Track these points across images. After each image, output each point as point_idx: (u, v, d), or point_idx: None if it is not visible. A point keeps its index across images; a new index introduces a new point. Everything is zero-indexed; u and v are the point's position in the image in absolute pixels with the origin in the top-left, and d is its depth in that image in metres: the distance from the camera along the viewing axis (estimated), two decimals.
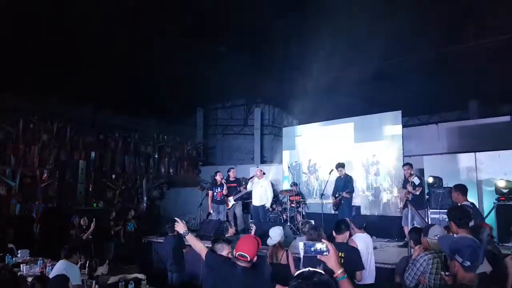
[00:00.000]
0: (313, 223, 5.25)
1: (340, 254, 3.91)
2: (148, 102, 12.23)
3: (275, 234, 4.80)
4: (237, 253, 3.06)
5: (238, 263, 3.06)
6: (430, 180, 7.99)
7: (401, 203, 7.60)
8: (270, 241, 4.80)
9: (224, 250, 3.44)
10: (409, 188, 7.04)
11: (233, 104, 17.26)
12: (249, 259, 3.03)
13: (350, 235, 4.55)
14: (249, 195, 9.20)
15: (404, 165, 7.67)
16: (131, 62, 10.09)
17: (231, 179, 9.07)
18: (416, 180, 7.01)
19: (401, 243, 7.29)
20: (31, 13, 8.08)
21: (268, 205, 8.75)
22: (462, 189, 5.01)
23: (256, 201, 8.73)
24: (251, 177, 8.91)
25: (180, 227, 3.60)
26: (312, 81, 13.13)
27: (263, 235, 6.88)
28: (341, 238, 4.25)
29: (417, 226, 5.71)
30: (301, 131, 11.22)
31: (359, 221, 4.85)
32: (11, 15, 8.00)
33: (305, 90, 14.04)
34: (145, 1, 8.88)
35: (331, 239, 4.18)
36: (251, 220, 8.38)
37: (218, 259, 3.27)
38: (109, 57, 9.72)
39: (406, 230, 7.18)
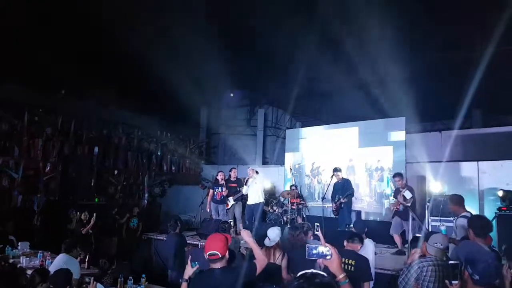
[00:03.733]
0: (309, 224, 5.17)
1: (351, 261, 3.91)
2: (153, 99, 12.27)
3: (274, 234, 4.70)
4: (208, 253, 2.96)
5: (213, 265, 2.98)
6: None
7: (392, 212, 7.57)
8: (268, 242, 4.67)
9: None
10: (401, 199, 7.05)
11: (237, 104, 17.27)
12: (220, 256, 2.94)
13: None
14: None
15: (394, 176, 7.56)
16: (136, 60, 10.13)
17: (232, 179, 9.06)
18: (408, 194, 6.98)
19: (393, 250, 7.29)
20: (39, 8, 8.14)
21: (261, 199, 8.68)
22: (458, 200, 4.86)
23: (251, 200, 8.63)
24: (246, 180, 8.80)
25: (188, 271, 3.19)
26: (317, 84, 13.16)
27: (264, 237, 6.91)
28: (351, 247, 4.19)
29: (417, 235, 5.69)
30: (305, 133, 11.21)
31: (359, 228, 4.84)
32: (20, 10, 8.05)
33: (310, 93, 14.07)
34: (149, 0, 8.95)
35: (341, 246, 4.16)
36: (230, 220, 8.23)
37: (198, 275, 3.14)
38: (114, 54, 9.78)
39: (396, 238, 7.25)
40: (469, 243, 3.14)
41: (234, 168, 9.40)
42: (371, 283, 4.39)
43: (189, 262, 3.27)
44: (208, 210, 8.93)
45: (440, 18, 9.64)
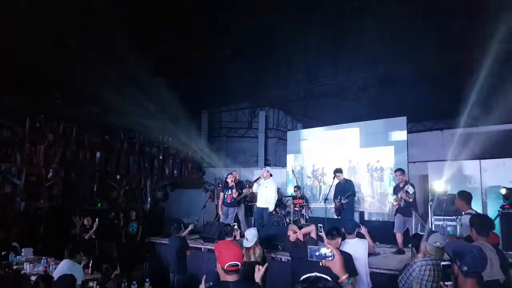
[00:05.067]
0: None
1: None
2: (154, 104, 12.29)
3: (252, 235, 5.04)
4: (227, 265, 2.72)
5: (228, 277, 2.75)
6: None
7: (394, 209, 7.54)
8: (247, 243, 4.99)
9: None
10: (403, 195, 7.02)
11: (238, 107, 17.30)
12: (240, 266, 2.77)
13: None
14: (252, 198, 9.17)
15: (396, 170, 7.57)
16: (137, 65, 10.15)
17: (234, 181, 9.06)
18: (410, 189, 6.96)
19: (394, 250, 7.26)
20: (37, 14, 8.18)
21: (271, 208, 8.61)
22: (466, 196, 4.96)
23: (260, 202, 8.50)
24: (257, 178, 8.77)
25: None
26: (317, 85, 13.17)
27: (267, 239, 6.94)
28: (333, 243, 4.27)
29: (419, 233, 5.69)
30: (306, 135, 11.22)
31: (349, 226, 4.88)
32: (17, 16, 8.10)
33: (310, 94, 14.09)
34: (149, 4, 9.00)
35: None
36: (234, 224, 8.22)
37: None
38: (114, 60, 9.80)
39: (399, 237, 7.18)
40: (454, 241, 3.33)
41: (235, 170, 9.41)
42: (365, 279, 4.49)
43: (203, 281, 3.15)
44: (221, 213, 8.87)
45: (441, 18, 9.65)
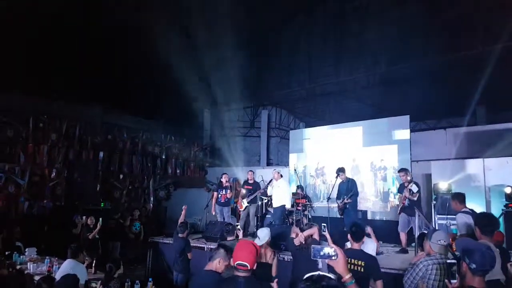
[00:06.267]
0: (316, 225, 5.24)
1: (360, 262, 3.83)
2: (156, 103, 12.33)
3: (263, 234, 5.03)
4: (236, 263, 2.84)
5: (238, 273, 2.84)
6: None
7: (398, 209, 7.51)
8: (258, 241, 4.94)
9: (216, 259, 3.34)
10: (407, 194, 7.00)
11: (240, 106, 17.27)
12: (249, 268, 2.81)
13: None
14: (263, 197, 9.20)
15: (399, 171, 7.53)
16: (139, 64, 10.18)
17: (250, 181, 9.05)
18: (414, 188, 6.93)
19: (397, 249, 7.23)
20: (41, 14, 8.20)
21: (288, 205, 8.59)
22: (459, 197, 4.98)
23: (275, 202, 8.59)
24: (270, 181, 8.82)
25: None
26: (320, 85, 13.16)
27: (273, 237, 6.92)
28: (357, 245, 4.06)
29: (424, 232, 5.67)
30: (309, 134, 11.18)
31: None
32: (22, 16, 8.13)
33: (313, 94, 14.07)
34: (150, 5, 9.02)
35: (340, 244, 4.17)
36: (237, 223, 8.24)
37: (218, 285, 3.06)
38: (117, 59, 9.83)
39: (403, 236, 7.15)
40: (464, 238, 3.29)
41: (251, 170, 9.40)
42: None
43: None
44: (214, 213, 8.90)
45: (442, 16, 9.62)
